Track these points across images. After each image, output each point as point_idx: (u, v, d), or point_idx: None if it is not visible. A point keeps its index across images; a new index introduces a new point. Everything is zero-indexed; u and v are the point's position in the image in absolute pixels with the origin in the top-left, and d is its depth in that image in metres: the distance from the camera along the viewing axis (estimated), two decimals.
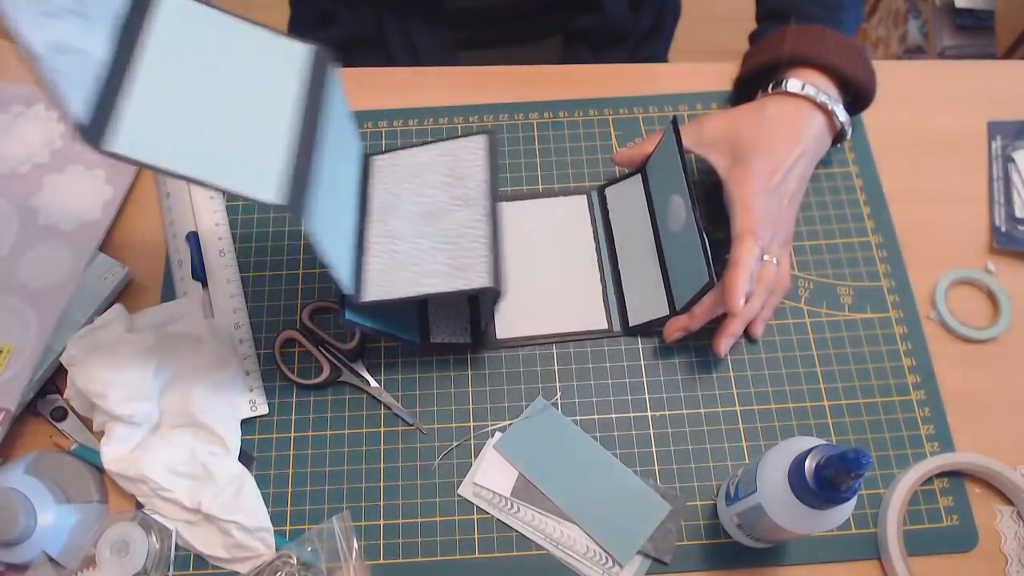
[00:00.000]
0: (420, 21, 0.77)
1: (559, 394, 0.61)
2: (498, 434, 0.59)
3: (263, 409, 0.60)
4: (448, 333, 0.62)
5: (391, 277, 0.54)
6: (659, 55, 0.90)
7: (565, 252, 0.65)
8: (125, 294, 0.64)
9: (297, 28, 0.89)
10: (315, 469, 0.58)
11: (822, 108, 0.61)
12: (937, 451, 0.59)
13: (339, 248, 0.52)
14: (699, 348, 0.62)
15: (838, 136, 0.64)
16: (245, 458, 0.58)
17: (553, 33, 0.82)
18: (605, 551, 0.55)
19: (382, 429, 0.60)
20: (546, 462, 0.58)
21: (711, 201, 0.62)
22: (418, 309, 0.63)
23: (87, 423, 0.59)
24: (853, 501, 0.45)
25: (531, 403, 0.60)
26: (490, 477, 0.57)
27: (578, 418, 0.60)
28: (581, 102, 0.72)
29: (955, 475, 0.58)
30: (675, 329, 0.59)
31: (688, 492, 0.57)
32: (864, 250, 0.66)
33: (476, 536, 0.56)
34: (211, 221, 0.66)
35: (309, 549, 0.55)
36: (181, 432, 0.58)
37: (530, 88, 0.73)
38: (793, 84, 0.61)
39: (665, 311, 0.60)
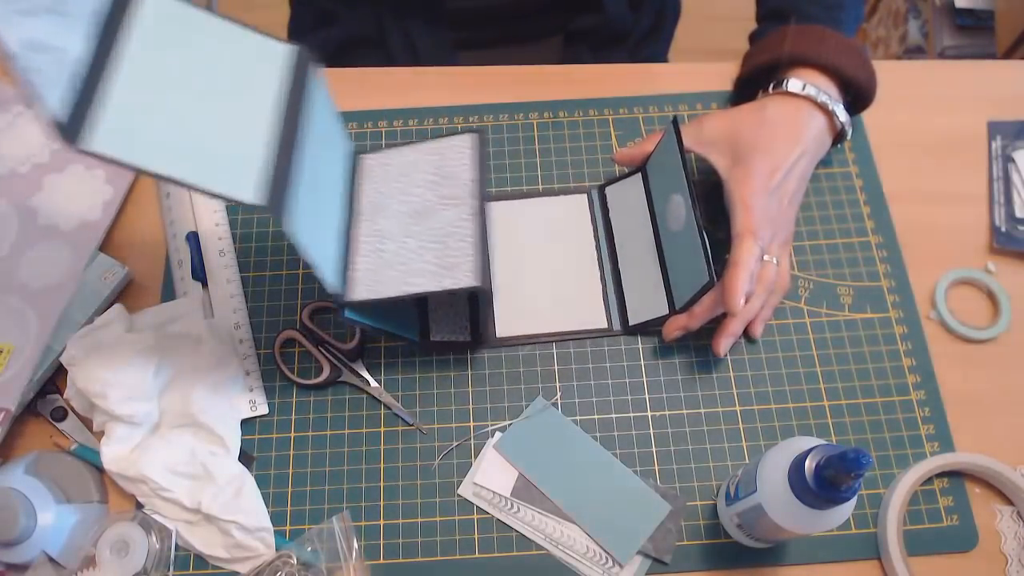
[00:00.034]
0: (420, 21, 0.77)
1: (559, 394, 0.61)
2: (498, 434, 0.59)
3: (263, 409, 0.60)
4: (448, 331, 0.62)
5: (379, 277, 0.54)
6: (659, 55, 0.90)
7: (565, 251, 0.65)
8: (125, 294, 0.64)
9: (297, 28, 0.89)
10: (315, 469, 0.58)
11: (823, 108, 0.61)
12: (937, 451, 0.59)
13: (323, 247, 0.52)
14: (699, 348, 0.62)
15: (838, 136, 0.64)
16: (245, 458, 0.58)
17: (553, 33, 0.82)
18: (605, 551, 0.55)
19: (382, 429, 0.60)
20: (546, 462, 0.58)
21: (711, 201, 0.62)
22: (418, 307, 0.63)
23: (87, 423, 0.59)
24: (853, 501, 0.45)
25: (531, 403, 0.60)
26: (490, 477, 0.57)
27: (578, 418, 0.60)
28: (581, 102, 0.72)
29: (955, 475, 0.58)
30: (674, 328, 0.59)
31: (688, 492, 0.57)
32: (864, 250, 0.66)
33: (476, 536, 0.56)
34: (211, 221, 0.66)
35: (309, 549, 0.55)
36: (181, 432, 0.58)
37: (530, 88, 0.73)
38: (794, 84, 0.61)
39: (665, 310, 0.60)
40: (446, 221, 0.56)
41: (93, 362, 0.56)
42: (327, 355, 0.61)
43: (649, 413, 0.60)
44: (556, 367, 0.61)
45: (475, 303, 0.63)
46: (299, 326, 0.63)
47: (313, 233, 0.50)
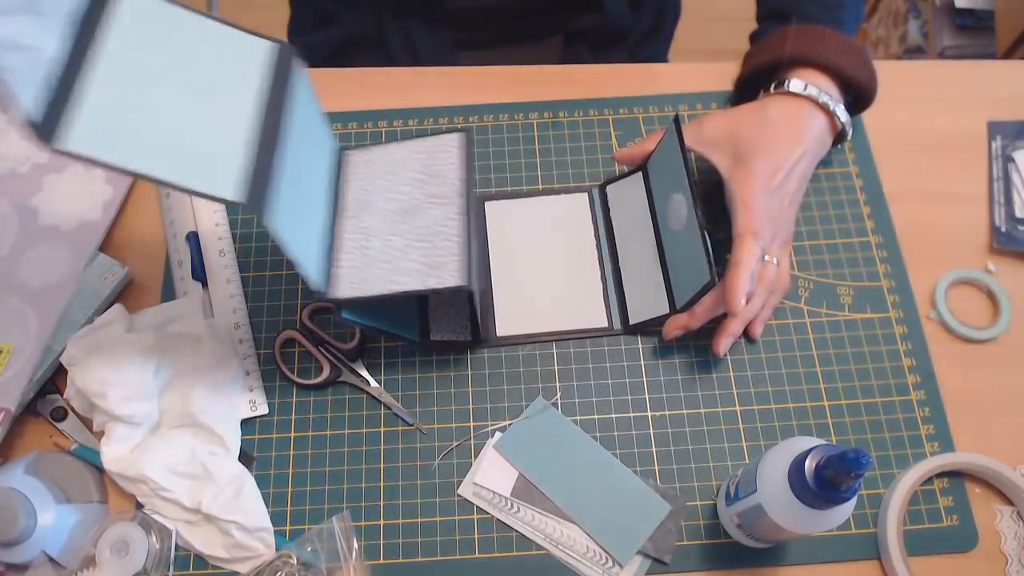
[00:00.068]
0: (420, 21, 0.77)
1: (559, 394, 0.61)
2: (498, 434, 0.59)
3: (263, 409, 0.60)
4: (448, 331, 0.62)
5: (363, 274, 0.54)
6: (659, 55, 0.90)
7: (566, 250, 0.65)
8: (125, 294, 0.64)
9: (297, 28, 0.89)
10: (315, 469, 0.58)
11: (824, 109, 0.61)
12: (937, 451, 0.59)
13: (307, 245, 0.52)
14: (699, 348, 0.62)
15: (839, 136, 0.64)
16: (245, 458, 0.58)
17: (553, 33, 0.82)
18: (605, 551, 0.55)
19: (382, 429, 0.60)
20: (546, 462, 0.58)
21: (711, 201, 0.62)
22: (418, 307, 0.63)
23: (87, 423, 0.59)
24: (853, 501, 0.45)
25: (531, 403, 0.60)
26: (490, 477, 0.57)
27: (578, 418, 0.60)
28: (581, 102, 0.72)
29: (955, 475, 0.58)
30: (675, 327, 0.59)
31: (688, 492, 0.57)
32: (864, 250, 0.66)
33: (476, 536, 0.56)
34: (211, 221, 0.66)
35: (309, 549, 0.55)
36: (181, 432, 0.58)
37: (530, 88, 0.73)
38: (795, 84, 0.61)
39: (666, 309, 0.60)
40: (433, 220, 0.56)
41: (93, 362, 0.56)
42: (327, 355, 0.61)
43: (649, 413, 0.60)
44: (556, 367, 0.62)
45: (475, 302, 0.63)
46: (299, 326, 0.63)
47: (296, 230, 0.50)
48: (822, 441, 0.46)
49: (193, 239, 0.65)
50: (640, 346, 0.62)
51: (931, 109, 0.72)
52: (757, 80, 0.66)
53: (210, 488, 0.55)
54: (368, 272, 0.54)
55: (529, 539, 0.56)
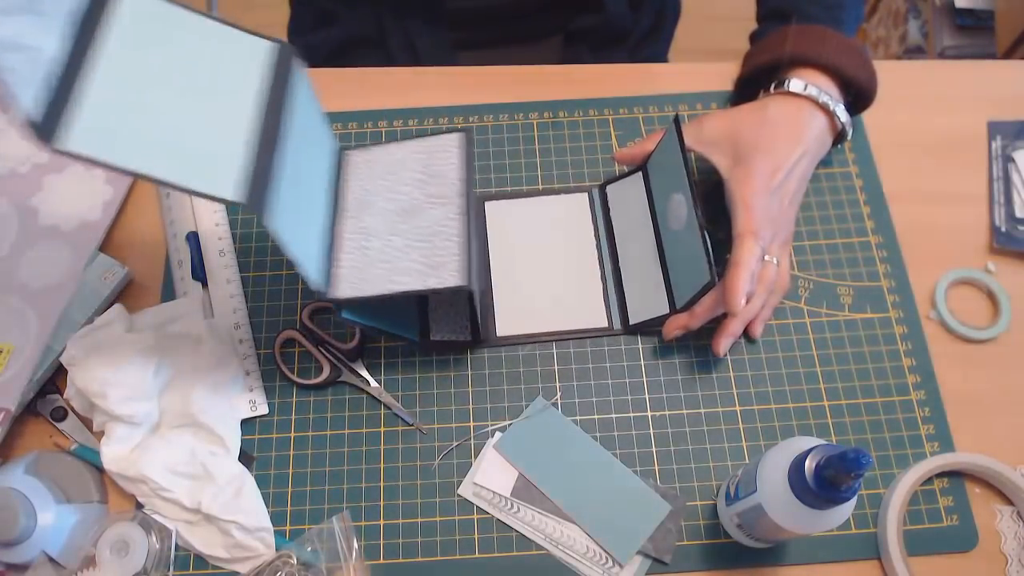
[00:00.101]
0: (420, 21, 0.77)
1: (559, 394, 0.61)
2: (498, 434, 0.59)
3: (263, 409, 0.60)
4: (448, 331, 0.62)
5: (363, 274, 0.54)
6: (659, 55, 0.90)
7: (566, 249, 0.65)
8: (125, 294, 0.64)
9: (297, 28, 0.89)
10: (315, 469, 0.58)
11: (824, 109, 0.61)
12: (937, 451, 0.59)
13: (307, 244, 0.52)
14: (699, 348, 0.62)
15: (839, 137, 0.64)
16: (245, 458, 0.58)
17: (553, 33, 0.82)
18: (605, 551, 0.55)
19: (382, 429, 0.60)
20: (546, 462, 0.58)
21: (710, 201, 0.62)
22: (418, 306, 0.63)
23: (87, 423, 0.59)
24: (853, 501, 0.45)
25: (531, 403, 0.60)
26: (490, 477, 0.57)
27: (578, 418, 0.60)
28: (581, 102, 0.72)
29: (955, 475, 0.58)
30: (675, 327, 0.59)
31: (688, 492, 0.57)
32: (864, 250, 0.66)
33: (476, 536, 0.56)
34: (211, 221, 0.66)
35: (309, 549, 0.55)
36: (181, 432, 0.58)
37: (530, 88, 0.73)
38: (796, 84, 0.61)
39: (666, 309, 0.60)
40: (433, 220, 0.56)
41: (93, 362, 0.56)
42: (327, 355, 0.61)
43: (649, 413, 0.60)
44: (556, 367, 0.62)
45: (475, 302, 0.63)
46: (299, 326, 0.63)
47: (296, 230, 0.50)
48: (822, 441, 0.46)
49: (193, 239, 0.65)
50: (640, 346, 0.62)
51: (931, 109, 0.72)
52: (757, 80, 0.66)
53: (210, 488, 0.55)
54: (368, 272, 0.54)
55: (529, 539, 0.56)
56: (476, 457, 0.59)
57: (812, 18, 0.65)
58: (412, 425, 0.60)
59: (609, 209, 0.67)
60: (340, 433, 0.60)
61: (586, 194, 0.68)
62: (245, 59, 0.50)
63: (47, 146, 0.40)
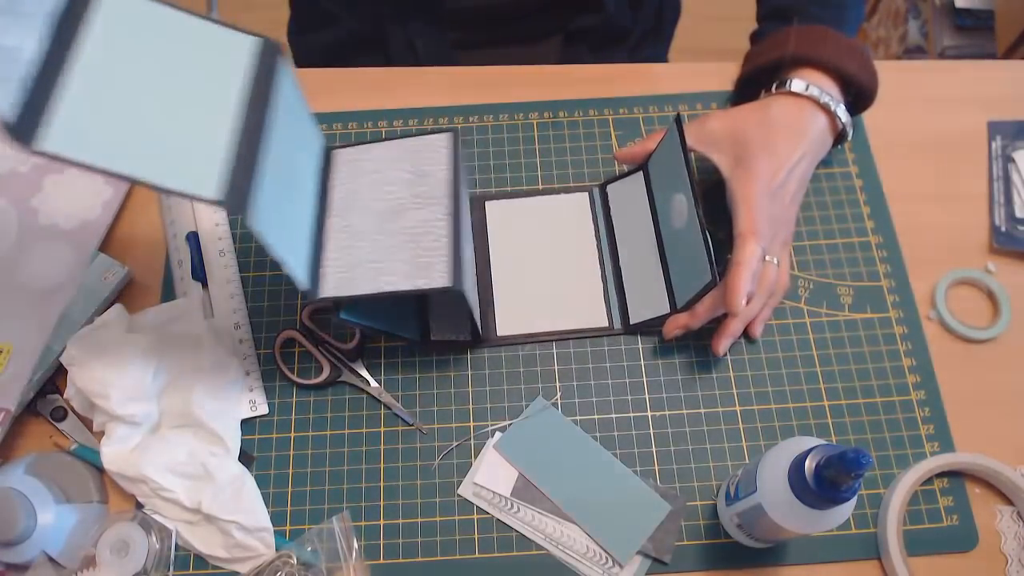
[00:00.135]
0: (420, 21, 0.77)
1: (559, 394, 0.61)
2: (498, 434, 0.59)
3: (263, 409, 0.60)
4: (448, 331, 0.62)
5: (351, 274, 0.54)
6: (659, 55, 0.90)
7: (566, 249, 0.65)
8: (125, 294, 0.64)
9: (297, 28, 0.89)
10: (315, 469, 0.58)
11: (825, 109, 0.61)
12: (937, 451, 0.59)
13: (293, 244, 0.51)
14: (699, 348, 0.62)
15: (839, 137, 0.64)
16: (245, 458, 0.58)
17: (553, 33, 0.82)
18: (605, 551, 0.55)
19: (382, 429, 0.60)
20: (546, 462, 0.58)
21: (711, 200, 0.62)
22: (417, 306, 0.63)
23: (87, 423, 0.59)
24: (853, 501, 0.45)
25: (531, 403, 0.60)
26: (490, 477, 0.57)
27: (578, 418, 0.60)
28: (581, 102, 0.72)
29: (955, 475, 0.58)
30: (675, 327, 0.59)
31: (688, 492, 0.57)
32: (864, 250, 0.66)
33: (476, 536, 0.56)
34: (211, 221, 0.66)
35: (309, 549, 0.55)
36: (181, 432, 0.58)
37: (530, 88, 0.73)
38: (797, 85, 0.61)
39: (666, 309, 0.60)
40: (421, 220, 0.55)
41: (93, 362, 0.56)
42: (327, 355, 0.61)
43: (649, 413, 0.60)
44: (556, 367, 0.61)
45: (468, 303, 0.63)
46: (299, 326, 0.63)
47: (281, 230, 0.49)
48: (822, 441, 0.46)
49: (193, 239, 0.65)
50: (640, 346, 0.62)
51: (931, 109, 0.72)
52: (758, 80, 0.66)
53: (210, 488, 0.55)
54: (356, 272, 0.54)
55: (529, 539, 0.56)
56: (476, 457, 0.59)
57: (814, 18, 0.65)
58: (412, 425, 0.60)
59: (610, 209, 0.67)
60: (340, 433, 0.60)
61: (587, 194, 0.68)
62: (228, 56, 0.49)
63: (25, 147, 0.39)
